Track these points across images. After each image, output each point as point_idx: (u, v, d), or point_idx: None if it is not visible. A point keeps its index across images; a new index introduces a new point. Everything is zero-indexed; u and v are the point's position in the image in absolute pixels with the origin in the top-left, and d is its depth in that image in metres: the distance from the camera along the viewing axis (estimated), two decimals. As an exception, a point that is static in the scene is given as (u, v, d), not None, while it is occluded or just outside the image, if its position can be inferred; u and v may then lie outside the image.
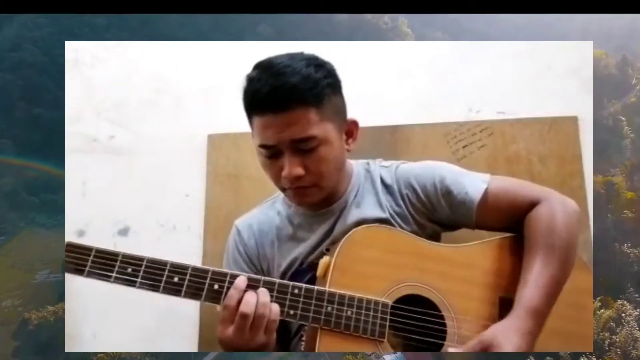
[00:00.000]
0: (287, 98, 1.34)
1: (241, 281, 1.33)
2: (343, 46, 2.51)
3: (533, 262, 1.40)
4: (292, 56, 1.42)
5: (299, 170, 1.40)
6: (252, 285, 1.34)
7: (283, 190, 1.50)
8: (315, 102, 1.38)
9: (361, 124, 2.03)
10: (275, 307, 1.31)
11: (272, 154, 1.42)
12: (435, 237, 1.57)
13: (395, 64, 2.48)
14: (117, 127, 2.63)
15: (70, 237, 2.53)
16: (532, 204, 1.50)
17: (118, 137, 2.63)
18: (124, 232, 2.53)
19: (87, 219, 2.55)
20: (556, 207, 1.47)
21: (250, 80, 1.41)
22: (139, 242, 2.50)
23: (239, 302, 1.30)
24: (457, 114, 2.36)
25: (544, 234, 1.43)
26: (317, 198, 1.49)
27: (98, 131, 2.64)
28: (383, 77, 2.46)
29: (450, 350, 1.33)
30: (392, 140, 2.33)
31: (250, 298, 1.30)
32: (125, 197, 2.55)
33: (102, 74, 2.70)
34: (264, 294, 1.32)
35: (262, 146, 1.43)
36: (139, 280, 1.33)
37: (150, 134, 2.60)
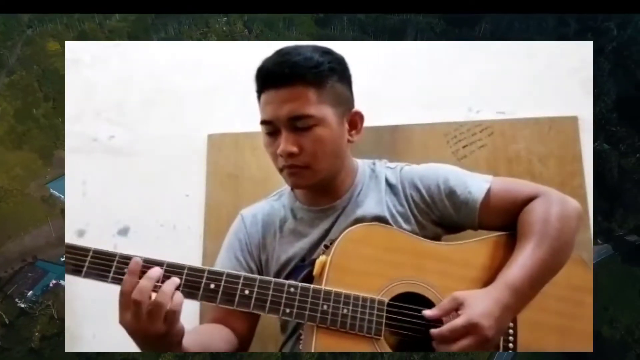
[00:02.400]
0: (287, 73, 1.42)
1: (134, 264, 1.30)
2: (343, 46, 2.51)
3: (524, 246, 1.43)
4: (301, 44, 1.51)
5: (293, 148, 1.44)
6: (173, 271, 1.33)
7: (280, 171, 1.53)
8: (315, 82, 1.43)
9: (361, 124, 2.03)
10: (178, 297, 1.29)
11: (271, 130, 1.48)
12: (436, 240, 1.57)
13: (395, 64, 2.48)
14: (117, 127, 2.63)
15: (71, 237, 2.53)
16: (531, 200, 1.53)
17: (118, 137, 2.63)
18: (124, 232, 2.53)
19: (87, 219, 2.55)
20: (553, 201, 1.50)
21: (262, 61, 1.50)
22: (139, 242, 2.50)
23: (134, 288, 1.28)
24: (457, 114, 2.36)
25: (538, 222, 1.46)
26: (310, 181, 1.50)
27: (98, 131, 2.64)
28: (383, 77, 2.46)
29: (425, 313, 1.34)
30: (392, 140, 2.33)
31: (144, 285, 1.28)
32: (125, 197, 2.55)
33: (102, 74, 2.70)
34: (169, 283, 1.30)
35: (262, 122, 1.49)
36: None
37: (150, 134, 2.60)
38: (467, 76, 2.40)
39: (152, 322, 1.26)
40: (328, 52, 1.46)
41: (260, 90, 1.45)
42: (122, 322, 1.31)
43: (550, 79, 2.34)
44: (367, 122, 2.15)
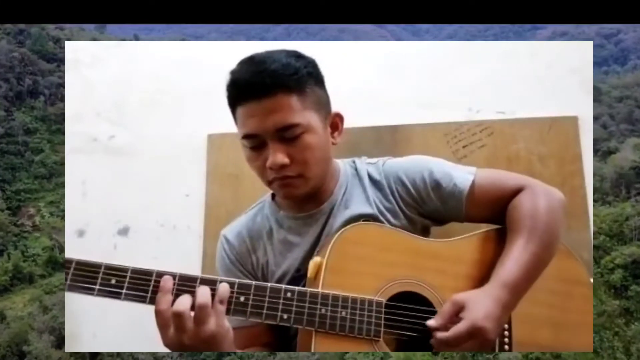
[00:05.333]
0: (269, 83, 1.34)
1: (166, 281, 1.22)
2: (344, 46, 2.51)
3: (515, 242, 1.41)
4: (271, 50, 1.43)
5: (284, 159, 1.37)
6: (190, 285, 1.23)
7: (269, 184, 1.47)
8: (297, 89, 1.37)
9: (361, 124, 2.03)
10: (225, 285, 1.21)
11: (256, 144, 1.40)
12: (425, 231, 1.57)
13: (396, 64, 2.48)
14: (117, 127, 2.63)
15: (71, 237, 2.53)
16: (517, 192, 1.50)
17: (118, 137, 2.63)
18: (124, 232, 2.52)
19: (87, 219, 2.55)
20: (539, 194, 1.48)
21: (232, 73, 1.42)
22: (139, 242, 2.50)
23: (169, 304, 1.19)
24: (457, 114, 2.36)
25: (527, 217, 1.43)
26: (303, 190, 1.46)
27: (98, 131, 2.64)
28: (383, 77, 2.46)
29: (428, 323, 1.31)
30: (392, 140, 2.33)
31: (183, 299, 1.20)
32: (125, 197, 2.55)
33: (102, 74, 2.70)
34: (202, 289, 1.21)
35: (245, 136, 1.40)
36: (123, 291, 1.24)
37: (150, 134, 2.60)
38: (467, 76, 2.40)
39: (201, 326, 1.18)
40: (300, 55, 1.42)
41: (236, 103, 1.39)
42: (167, 342, 1.21)
43: (550, 79, 2.34)
44: (367, 122, 2.15)
